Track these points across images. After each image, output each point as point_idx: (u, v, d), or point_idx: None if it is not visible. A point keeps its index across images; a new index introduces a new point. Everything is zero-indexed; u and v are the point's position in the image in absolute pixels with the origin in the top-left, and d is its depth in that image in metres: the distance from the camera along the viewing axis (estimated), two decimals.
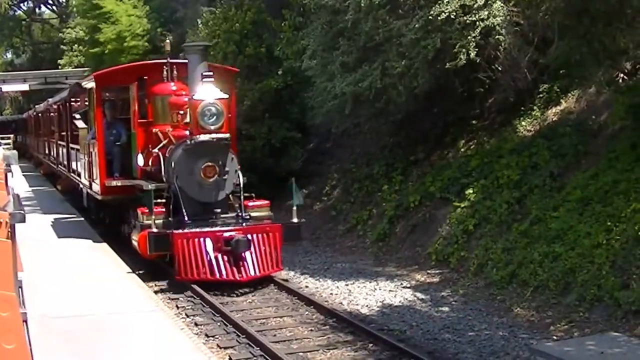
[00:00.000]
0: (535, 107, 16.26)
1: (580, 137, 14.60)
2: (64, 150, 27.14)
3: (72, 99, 25.56)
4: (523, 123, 16.15)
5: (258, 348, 10.76)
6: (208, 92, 15.01)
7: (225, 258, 14.36)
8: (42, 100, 40.73)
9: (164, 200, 15.31)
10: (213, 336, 11.64)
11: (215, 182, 15.23)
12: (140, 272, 15.12)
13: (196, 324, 12.23)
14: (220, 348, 11.09)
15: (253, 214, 15.47)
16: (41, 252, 16.03)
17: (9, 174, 9.83)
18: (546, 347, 9.90)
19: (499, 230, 14.33)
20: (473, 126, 17.67)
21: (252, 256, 14.49)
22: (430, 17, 14.48)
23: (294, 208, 15.50)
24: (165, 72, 17.36)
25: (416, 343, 11.08)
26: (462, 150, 17.32)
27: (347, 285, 14.63)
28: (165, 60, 17.70)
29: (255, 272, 14.45)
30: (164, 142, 16.42)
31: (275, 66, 22.60)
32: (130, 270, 14.58)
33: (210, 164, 15.12)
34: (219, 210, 15.29)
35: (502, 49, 15.37)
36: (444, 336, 11.41)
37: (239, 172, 15.54)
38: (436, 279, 14.61)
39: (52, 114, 33.18)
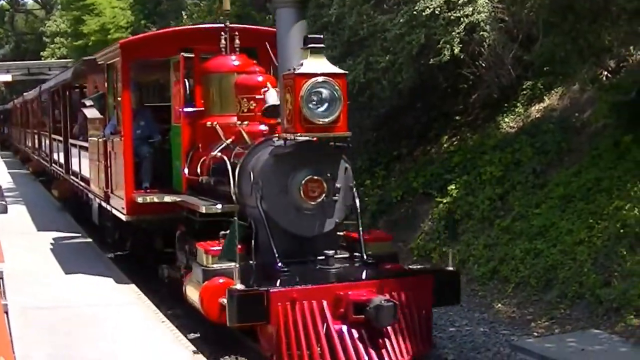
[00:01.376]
0: (518, 104, 16.27)
1: (563, 134, 14.60)
2: (60, 145, 22.52)
3: (75, 84, 21.43)
4: (506, 119, 16.15)
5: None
6: (317, 66, 9.58)
7: (356, 334, 8.70)
8: (29, 90, 39.30)
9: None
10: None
11: (320, 205, 9.89)
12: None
13: (177, 317, 12.16)
14: (201, 340, 11.04)
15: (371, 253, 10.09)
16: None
17: None
18: (527, 343, 9.93)
19: (481, 226, 14.34)
20: (456, 122, 17.66)
21: (398, 330, 8.87)
22: (414, 13, 14.44)
23: (451, 250, 10.58)
24: (223, 41, 12.47)
25: None
26: (445, 145, 17.31)
27: None
28: (222, 25, 12.81)
29: (404, 357, 8.92)
30: (227, 141, 11.43)
31: None
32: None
33: (315, 177, 9.81)
34: (331, 252, 9.75)
35: (486, 45, 15.35)
36: None
37: (355, 190, 10.34)
38: None
39: (44, 102, 29.09)
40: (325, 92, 9.51)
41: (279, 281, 9.14)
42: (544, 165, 14.39)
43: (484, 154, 15.63)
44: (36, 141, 32.45)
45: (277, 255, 9.55)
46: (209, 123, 11.88)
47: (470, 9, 14.39)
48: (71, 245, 16.56)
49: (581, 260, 11.52)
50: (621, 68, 13.94)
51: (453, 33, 14.41)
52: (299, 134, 9.53)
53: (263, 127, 11.14)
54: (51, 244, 16.54)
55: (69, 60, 41.31)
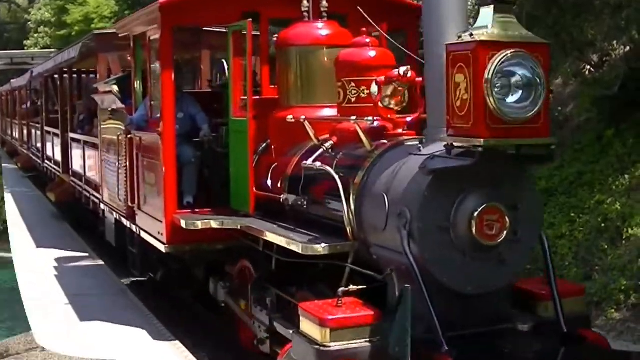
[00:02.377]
0: None
1: None
2: (57, 139, 19.23)
3: (75, 68, 18.35)
4: None
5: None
6: (506, 32, 5.72)
7: None
8: (15, 78, 38.07)
9: (358, 287, 6.41)
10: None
11: (499, 247, 6.16)
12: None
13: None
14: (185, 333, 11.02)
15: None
16: None
17: None
18: None
19: None
20: None
21: None
22: None
23: None
24: (305, 3, 8.92)
25: None
26: None
27: None
28: None
29: None
30: (327, 144, 7.82)
31: None
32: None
33: (496, 205, 6.06)
34: (525, 325, 6.26)
35: None
36: None
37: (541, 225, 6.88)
38: None
39: (33, 89, 26.08)
40: (520, 73, 5.69)
41: None
42: None
43: None
44: (25, 133, 28.62)
45: (439, 328, 5.83)
46: (290, 117, 8.23)
47: None
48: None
49: (562, 254, 11.52)
50: (604, 62, 13.96)
51: None
52: (483, 140, 5.64)
53: (377, 124, 7.43)
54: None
55: (52, 50, 41.17)
